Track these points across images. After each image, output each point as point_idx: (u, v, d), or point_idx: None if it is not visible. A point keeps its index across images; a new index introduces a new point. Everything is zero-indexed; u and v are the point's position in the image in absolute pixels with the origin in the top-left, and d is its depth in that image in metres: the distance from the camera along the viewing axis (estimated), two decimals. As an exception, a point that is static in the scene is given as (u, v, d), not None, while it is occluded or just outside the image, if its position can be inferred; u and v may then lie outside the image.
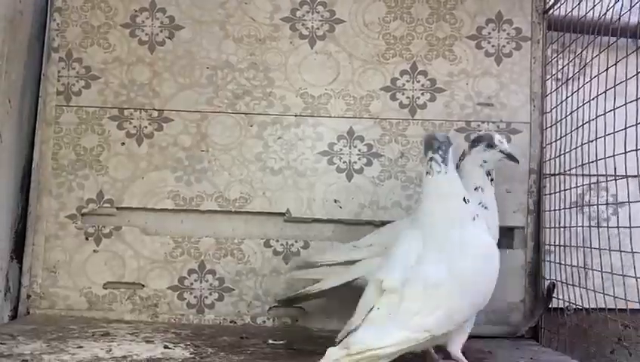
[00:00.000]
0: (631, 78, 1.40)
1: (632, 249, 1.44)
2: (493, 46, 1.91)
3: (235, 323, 1.84)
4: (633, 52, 1.44)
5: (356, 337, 1.17)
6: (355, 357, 1.13)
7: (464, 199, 1.34)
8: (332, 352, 1.16)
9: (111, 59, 1.90)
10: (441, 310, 1.21)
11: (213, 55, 1.91)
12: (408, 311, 1.19)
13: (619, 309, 1.59)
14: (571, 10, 1.76)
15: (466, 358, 1.35)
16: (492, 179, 1.59)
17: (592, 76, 1.62)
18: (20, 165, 1.85)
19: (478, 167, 1.54)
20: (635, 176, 1.46)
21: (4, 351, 1.34)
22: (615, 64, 1.48)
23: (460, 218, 1.32)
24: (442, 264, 1.25)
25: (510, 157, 1.56)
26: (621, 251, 1.48)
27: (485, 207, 1.52)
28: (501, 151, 1.55)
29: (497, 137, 1.55)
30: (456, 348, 1.34)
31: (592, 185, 1.82)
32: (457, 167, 1.50)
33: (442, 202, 1.32)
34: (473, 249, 1.29)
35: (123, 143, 1.89)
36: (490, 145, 1.54)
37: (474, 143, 1.57)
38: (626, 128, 1.41)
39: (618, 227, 1.51)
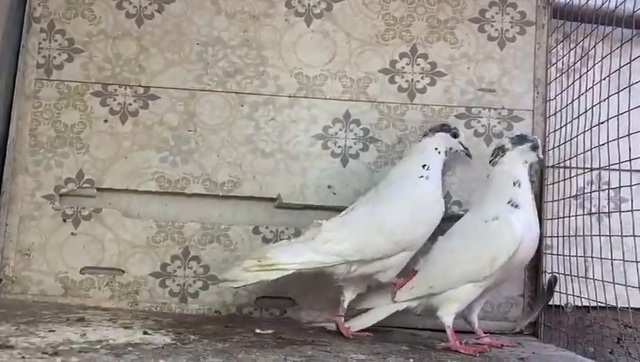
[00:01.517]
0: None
1: (634, 240, 1.38)
2: (496, 30, 1.84)
3: (220, 313, 1.74)
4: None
5: (271, 253, 1.44)
6: (264, 267, 1.40)
7: (423, 166, 1.57)
8: (246, 261, 1.44)
9: (96, 32, 1.81)
10: (350, 240, 1.46)
11: (204, 31, 1.82)
12: (323, 239, 1.45)
13: (620, 308, 1.53)
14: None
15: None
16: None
17: (596, 62, 1.57)
18: (-6, 140, 1.74)
19: (521, 164, 1.54)
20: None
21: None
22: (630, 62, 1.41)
23: (403, 177, 1.57)
24: (368, 206, 1.53)
25: (466, 150, 1.67)
26: (623, 236, 1.43)
27: (516, 206, 1.48)
28: (460, 143, 1.65)
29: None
30: (443, 313, 1.45)
31: (594, 178, 1.76)
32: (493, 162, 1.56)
33: (400, 165, 1.63)
34: (404, 196, 1.53)
35: (106, 121, 1.78)
36: (535, 146, 1.56)
37: (519, 141, 1.55)
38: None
39: (621, 212, 1.47)
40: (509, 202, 1.47)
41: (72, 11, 1.80)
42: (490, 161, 1.55)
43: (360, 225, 1.50)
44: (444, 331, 1.47)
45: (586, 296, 1.59)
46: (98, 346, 1.19)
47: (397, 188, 1.56)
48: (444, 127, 1.64)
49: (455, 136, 1.64)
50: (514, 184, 1.50)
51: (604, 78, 1.50)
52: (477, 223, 1.48)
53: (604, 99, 1.49)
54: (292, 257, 1.44)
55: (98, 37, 1.81)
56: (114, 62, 1.80)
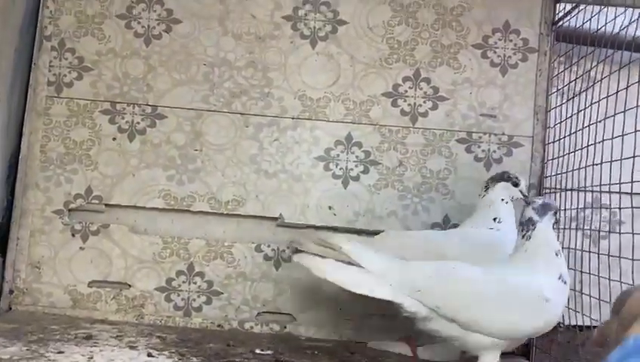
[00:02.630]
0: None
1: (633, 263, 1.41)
2: (499, 56, 1.86)
3: (222, 327, 1.80)
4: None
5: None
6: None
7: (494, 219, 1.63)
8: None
9: (105, 51, 1.84)
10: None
11: (210, 51, 1.86)
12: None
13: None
14: (582, 25, 1.71)
15: None
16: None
17: (596, 81, 1.58)
18: (6, 156, 1.79)
19: (551, 231, 1.46)
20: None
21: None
22: (626, 87, 1.43)
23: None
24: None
25: (525, 198, 1.62)
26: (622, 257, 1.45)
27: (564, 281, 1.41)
28: (521, 191, 1.65)
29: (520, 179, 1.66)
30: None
31: (593, 202, 1.79)
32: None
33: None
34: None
35: (114, 138, 1.83)
36: (516, 183, 1.63)
37: (544, 211, 1.46)
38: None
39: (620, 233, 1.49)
40: (559, 278, 1.38)
41: (82, 30, 1.84)
42: (523, 236, 1.42)
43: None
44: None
45: (579, 318, 1.62)
46: (105, 372, 1.25)
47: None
48: (504, 177, 1.65)
49: (516, 185, 1.64)
50: (556, 254, 1.40)
51: (602, 99, 1.52)
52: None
53: (602, 120, 1.50)
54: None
55: (107, 56, 1.84)
56: (122, 81, 1.84)
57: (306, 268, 1.39)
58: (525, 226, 1.42)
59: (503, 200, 1.64)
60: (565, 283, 1.38)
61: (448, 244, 1.58)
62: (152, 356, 1.41)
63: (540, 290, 1.33)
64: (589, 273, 1.61)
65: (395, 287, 1.31)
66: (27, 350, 1.36)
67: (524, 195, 1.65)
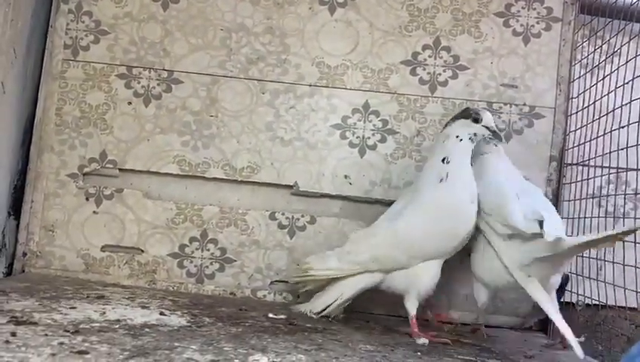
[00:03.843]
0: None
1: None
2: (521, 25, 1.82)
3: (235, 295, 1.78)
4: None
5: (310, 259, 1.62)
6: (302, 271, 1.61)
7: (443, 160, 1.51)
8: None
9: (122, 15, 1.83)
10: (367, 254, 1.52)
11: (228, 17, 1.83)
12: (346, 250, 1.57)
13: (629, 308, 1.54)
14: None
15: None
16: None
17: (620, 64, 1.55)
18: (22, 119, 1.78)
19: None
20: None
21: (-6, 307, 1.29)
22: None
23: (426, 181, 1.53)
24: (389, 216, 1.57)
25: (494, 134, 1.53)
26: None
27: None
28: (486, 127, 1.52)
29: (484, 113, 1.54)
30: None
31: (612, 178, 1.76)
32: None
33: (425, 167, 1.61)
34: (421, 206, 1.51)
35: (130, 103, 1.82)
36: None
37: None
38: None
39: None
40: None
41: (100, -7, 1.83)
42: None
43: (375, 240, 1.53)
44: (454, 324, 1.50)
45: (597, 297, 1.60)
46: (117, 326, 1.24)
47: (418, 195, 1.53)
48: (464, 113, 1.55)
49: (477, 120, 1.51)
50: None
51: (628, 82, 1.48)
52: None
53: (627, 103, 1.48)
54: (322, 264, 1.58)
55: (124, 19, 1.83)
56: (139, 45, 1.83)
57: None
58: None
59: (457, 137, 1.52)
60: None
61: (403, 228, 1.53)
62: (165, 314, 1.40)
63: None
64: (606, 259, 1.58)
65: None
66: (39, 304, 1.35)
67: (491, 131, 1.51)
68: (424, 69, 1.82)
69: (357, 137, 1.82)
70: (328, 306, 1.56)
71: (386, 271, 1.52)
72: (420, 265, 1.49)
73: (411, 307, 1.49)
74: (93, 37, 1.82)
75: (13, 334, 1.08)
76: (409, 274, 1.50)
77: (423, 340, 1.42)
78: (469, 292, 1.76)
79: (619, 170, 1.73)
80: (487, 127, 1.51)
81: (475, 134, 1.52)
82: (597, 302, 1.62)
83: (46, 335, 1.10)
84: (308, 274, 1.58)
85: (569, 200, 1.77)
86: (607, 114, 1.60)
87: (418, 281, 1.49)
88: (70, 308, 1.35)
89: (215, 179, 1.81)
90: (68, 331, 1.15)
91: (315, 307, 1.58)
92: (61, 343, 1.06)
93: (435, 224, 1.49)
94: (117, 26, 1.83)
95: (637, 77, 1.46)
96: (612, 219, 1.67)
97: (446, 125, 1.58)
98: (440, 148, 1.54)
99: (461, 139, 1.52)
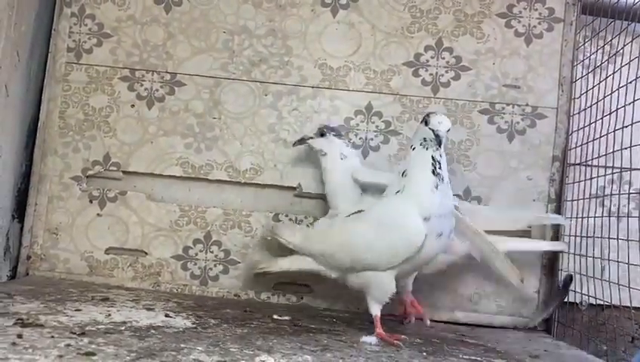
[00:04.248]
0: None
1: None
2: (523, 26, 1.82)
3: (239, 297, 1.78)
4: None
5: (280, 226, 1.68)
6: (270, 233, 1.65)
7: (402, 173, 1.42)
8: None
9: (125, 18, 1.84)
10: (318, 246, 1.52)
11: (230, 19, 1.84)
12: (308, 235, 1.59)
13: (634, 308, 1.54)
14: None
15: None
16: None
17: (624, 63, 1.55)
18: (25, 122, 1.79)
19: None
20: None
21: (0, 310, 1.29)
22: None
23: (389, 189, 1.47)
24: (350, 217, 1.52)
25: (437, 138, 1.37)
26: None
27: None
28: (432, 130, 1.37)
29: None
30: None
31: (615, 178, 1.76)
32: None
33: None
34: (368, 215, 1.46)
35: (133, 105, 1.82)
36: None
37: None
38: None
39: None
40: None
41: (103, -4, 1.83)
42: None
43: (332, 232, 1.54)
44: (459, 324, 1.49)
45: (601, 296, 1.60)
46: (122, 327, 1.24)
47: (376, 204, 1.48)
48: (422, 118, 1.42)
49: (426, 123, 1.38)
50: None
51: (631, 82, 1.49)
52: None
53: (630, 103, 1.48)
54: (289, 235, 1.61)
55: (127, 22, 1.84)
56: (142, 48, 1.83)
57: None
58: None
59: (412, 146, 1.42)
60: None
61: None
62: (170, 316, 1.40)
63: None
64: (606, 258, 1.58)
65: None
66: (45, 307, 1.35)
67: (435, 134, 1.36)
68: (426, 70, 1.83)
69: (360, 138, 1.82)
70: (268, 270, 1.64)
71: (332, 268, 1.51)
72: (367, 273, 1.42)
73: (372, 308, 1.42)
74: (96, 40, 1.83)
75: (20, 336, 1.08)
76: (360, 277, 1.44)
77: (369, 338, 1.36)
78: (472, 292, 1.77)
79: (622, 170, 1.73)
80: (432, 130, 1.37)
81: (424, 139, 1.39)
82: (601, 302, 1.62)
83: (52, 337, 1.10)
84: (275, 237, 1.63)
85: (572, 200, 1.77)
86: (609, 114, 1.61)
87: (369, 287, 1.43)
88: (75, 310, 1.35)
89: (218, 181, 1.82)
90: (74, 333, 1.14)
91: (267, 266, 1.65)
92: (68, 345, 1.06)
93: (376, 234, 1.40)
94: (120, 29, 1.83)
95: (639, 77, 1.46)
96: (615, 218, 1.67)
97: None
98: (405, 160, 1.47)
99: (414, 148, 1.41)
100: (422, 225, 1.34)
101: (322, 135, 1.71)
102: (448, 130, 1.38)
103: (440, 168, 1.38)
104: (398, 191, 1.41)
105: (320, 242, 1.54)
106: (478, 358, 1.32)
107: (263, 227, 1.78)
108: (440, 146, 1.37)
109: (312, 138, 1.73)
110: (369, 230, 1.42)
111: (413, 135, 1.45)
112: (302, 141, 1.74)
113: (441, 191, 1.37)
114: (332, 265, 1.51)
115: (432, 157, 1.38)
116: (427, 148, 1.39)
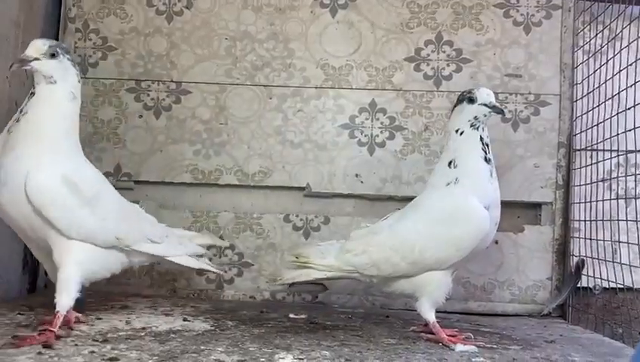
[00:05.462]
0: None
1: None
2: (522, 15, 1.83)
3: (255, 298, 1.81)
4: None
5: (306, 251, 1.49)
6: (299, 262, 1.46)
7: (449, 164, 1.37)
8: (287, 256, 1.64)
9: (127, 30, 1.87)
10: (366, 254, 1.39)
11: (231, 25, 1.87)
12: (345, 248, 1.43)
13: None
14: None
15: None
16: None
17: (623, 46, 1.56)
18: (37, 138, 1.81)
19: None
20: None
21: (22, 321, 1.32)
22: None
23: (433, 184, 1.42)
24: (394, 217, 1.44)
25: (495, 109, 1.36)
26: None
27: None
28: (485, 105, 1.35)
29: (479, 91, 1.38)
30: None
31: (622, 161, 1.77)
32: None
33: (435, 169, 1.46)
34: (421, 212, 1.38)
35: (141, 116, 1.85)
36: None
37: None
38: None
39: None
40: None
41: (105, 10, 1.87)
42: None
43: (380, 239, 1.39)
44: (473, 314, 1.50)
45: (614, 279, 1.60)
46: (143, 333, 1.26)
47: (422, 199, 1.42)
48: (458, 98, 1.41)
49: (472, 101, 1.36)
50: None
51: (631, 64, 1.49)
52: None
53: (632, 85, 1.49)
54: (320, 258, 1.43)
55: (130, 34, 1.87)
56: (146, 59, 1.86)
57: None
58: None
59: (457, 131, 1.36)
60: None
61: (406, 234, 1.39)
62: (188, 320, 1.43)
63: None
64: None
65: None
66: (66, 317, 1.38)
67: (490, 107, 1.34)
68: (428, 65, 1.84)
69: (365, 136, 1.84)
70: (296, 280, 1.49)
71: (385, 277, 1.39)
72: (423, 275, 1.36)
73: (427, 314, 1.35)
74: (101, 53, 1.86)
75: (45, 346, 1.11)
76: (415, 280, 1.37)
77: (461, 347, 1.28)
78: (485, 282, 1.78)
79: (627, 153, 1.74)
80: (485, 105, 1.34)
81: (475, 118, 1.35)
82: (614, 285, 1.63)
83: (76, 345, 1.13)
84: (306, 265, 1.44)
85: (579, 185, 1.78)
86: (612, 97, 1.62)
87: (425, 290, 1.36)
88: (96, 318, 1.38)
89: (228, 185, 1.84)
90: (97, 340, 1.17)
91: (286, 278, 1.49)
92: (92, 352, 1.09)
93: (436, 229, 1.34)
94: (123, 41, 1.86)
95: (639, 59, 1.47)
96: (624, 201, 1.68)
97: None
98: (445, 149, 1.41)
99: (462, 132, 1.36)
100: (486, 212, 1.33)
101: (53, 55, 1.28)
102: None
103: (489, 152, 1.37)
104: (449, 184, 1.36)
105: (363, 253, 1.39)
106: (495, 346, 1.34)
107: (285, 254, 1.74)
108: (503, 114, 1.42)
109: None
110: (425, 228, 1.35)
111: (452, 119, 1.39)
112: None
113: (495, 179, 1.38)
114: (383, 274, 1.38)
115: (481, 138, 1.36)
116: (478, 128, 1.36)
